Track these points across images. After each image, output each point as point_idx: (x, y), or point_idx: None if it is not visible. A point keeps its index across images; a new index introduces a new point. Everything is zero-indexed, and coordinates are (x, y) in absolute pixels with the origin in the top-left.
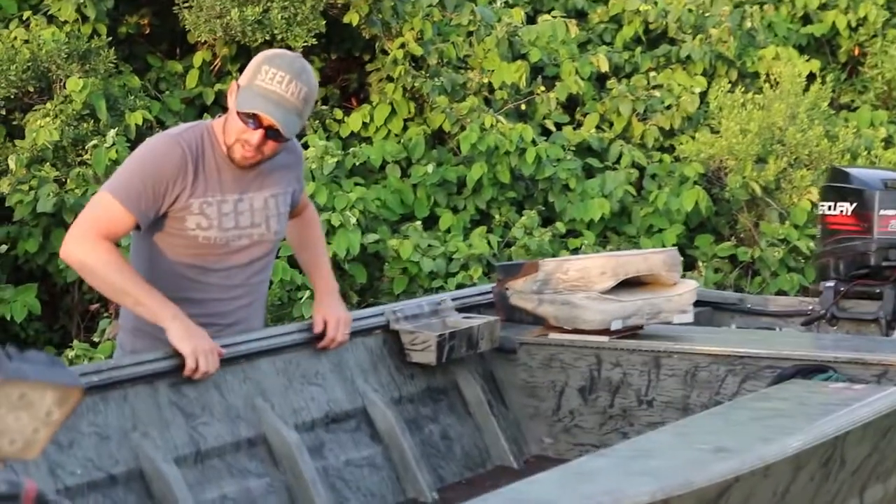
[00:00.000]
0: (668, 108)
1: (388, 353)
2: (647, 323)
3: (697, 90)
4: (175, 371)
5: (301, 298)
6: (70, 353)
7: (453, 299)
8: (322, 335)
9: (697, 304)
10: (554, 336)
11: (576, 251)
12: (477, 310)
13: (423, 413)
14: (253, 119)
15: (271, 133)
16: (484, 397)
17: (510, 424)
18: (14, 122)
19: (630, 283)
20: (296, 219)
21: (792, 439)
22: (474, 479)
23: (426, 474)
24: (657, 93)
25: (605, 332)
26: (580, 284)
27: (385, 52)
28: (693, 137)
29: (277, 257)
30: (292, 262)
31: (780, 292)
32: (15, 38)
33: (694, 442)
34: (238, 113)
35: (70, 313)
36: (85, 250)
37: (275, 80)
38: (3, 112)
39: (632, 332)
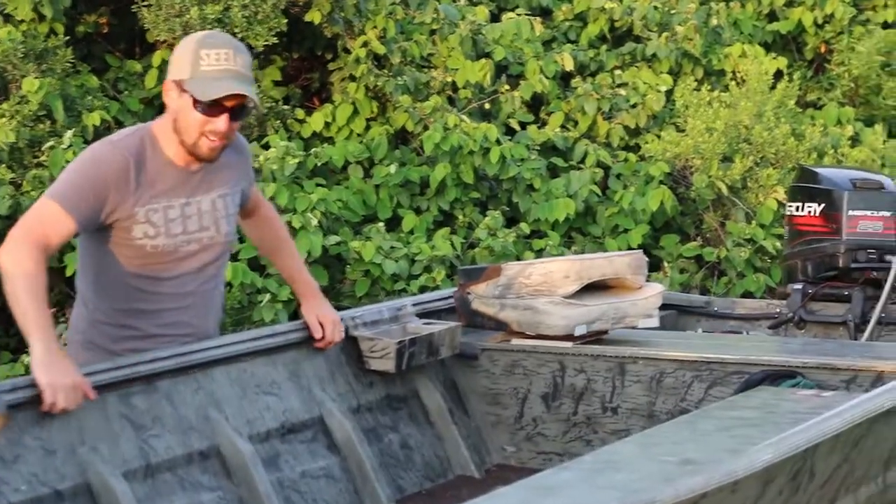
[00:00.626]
0: (634, 106)
1: (346, 360)
2: (612, 328)
3: (663, 88)
4: (124, 382)
5: (261, 302)
6: (27, 359)
7: (414, 304)
8: (313, 337)
9: (663, 307)
10: (516, 342)
11: (540, 252)
12: (438, 315)
13: (383, 422)
14: (214, 105)
15: (235, 113)
16: (445, 405)
17: (472, 433)
18: None
19: (594, 287)
20: (254, 219)
21: (761, 452)
22: (435, 490)
23: (385, 485)
24: (622, 91)
25: (569, 337)
26: (543, 289)
27: (347, 51)
28: (658, 136)
29: (236, 260)
30: (252, 265)
31: (747, 293)
32: None
33: (660, 453)
34: (198, 105)
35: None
36: (11, 257)
37: (221, 59)
38: None
39: (596, 337)
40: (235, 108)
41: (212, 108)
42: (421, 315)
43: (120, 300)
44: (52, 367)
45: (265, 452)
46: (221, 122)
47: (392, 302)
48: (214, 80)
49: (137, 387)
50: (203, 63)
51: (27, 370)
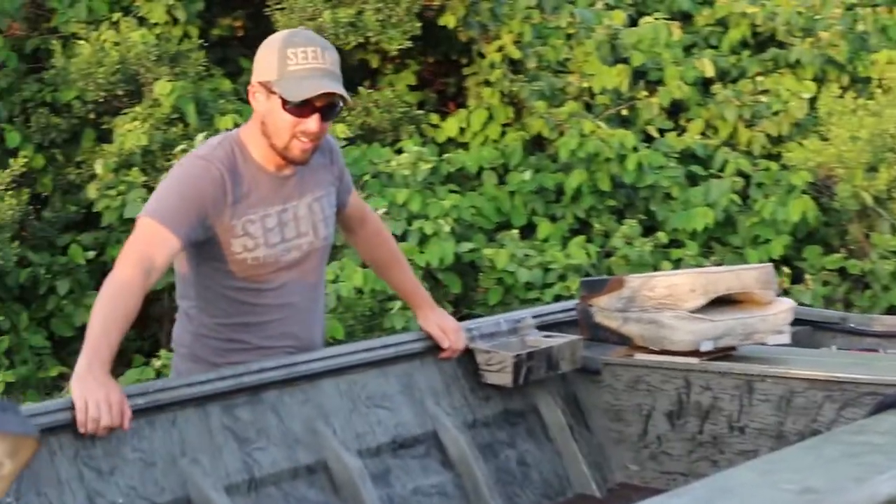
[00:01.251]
0: (776, 114)
1: (461, 373)
2: (740, 344)
3: (806, 95)
4: (229, 394)
5: (392, 309)
6: (157, 363)
7: (534, 316)
8: (437, 347)
9: (796, 322)
10: (640, 357)
11: (678, 262)
12: (559, 328)
13: (499, 438)
14: (305, 105)
15: (326, 113)
16: (565, 421)
17: (593, 450)
18: (103, 126)
19: (722, 302)
20: (363, 234)
21: (886, 483)
22: None
23: (501, 503)
24: (764, 98)
25: (695, 353)
26: (668, 302)
27: (482, 56)
28: (801, 144)
29: (365, 267)
30: None
31: (892, 307)
32: (104, 40)
33: (779, 481)
34: (288, 107)
35: (160, 321)
36: (112, 275)
37: (308, 57)
38: (93, 116)
39: (723, 353)
40: (325, 107)
41: (302, 108)
42: (541, 327)
43: (224, 315)
44: (86, 380)
45: (374, 468)
46: (313, 123)
47: (511, 314)
48: (303, 80)
49: (242, 398)
50: (290, 63)
51: (158, 374)
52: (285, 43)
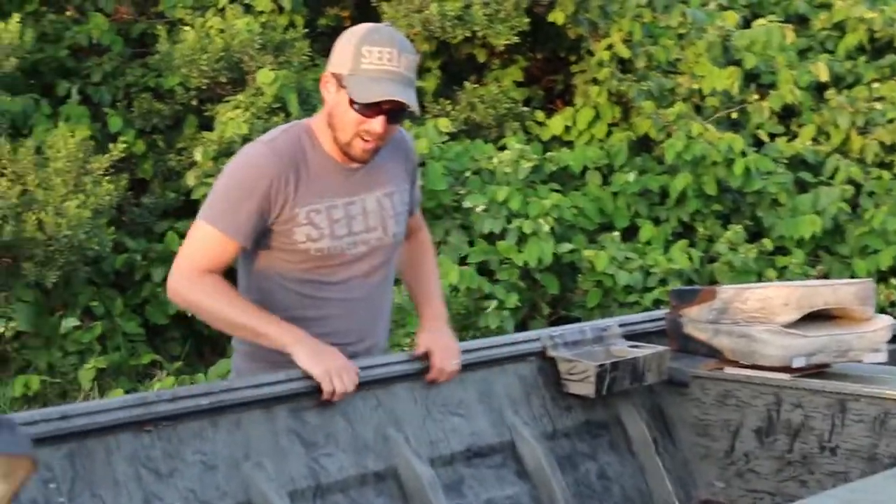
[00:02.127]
0: (891, 121)
1: (542, 382)
2: (834, 361)
3: None
4: (297, 396)
5: (487, 308)
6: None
7: (621, 325)
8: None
9: (894, 339)
10: (730, 371)
11: (783, 270)
12: (647, 338)
13: (580, 449)
14: (371, 105)
15: (392, 116)
16: (649, 434)
17: (677, 465)
18: (205, 113)
19: (817, 317)
20: (408, 244)
21: None
22: None
23: None
24: (879, 105)
25: (787, 369)
26: (760, 316)
27: (591, 54)
28: None
29: (464, 264)
30: (480, 270)
31: None
32: (210, 26)
33: None
34: (356, 105)
35: None
36: (189, 289)
37: (384, 59)
38: (195, 102)
39: (816, 370)
40: (393, 110)
41: (369, 108)
42: (628, 337)
43: (285, 308)
44: (321, 356)
45: (447, 477)
46: (377, 124)
47: (596, 322)
48: (374, 82)
49: (311, 401)
50: (364, 61)
51: (191, 378)
52: (364, 39)
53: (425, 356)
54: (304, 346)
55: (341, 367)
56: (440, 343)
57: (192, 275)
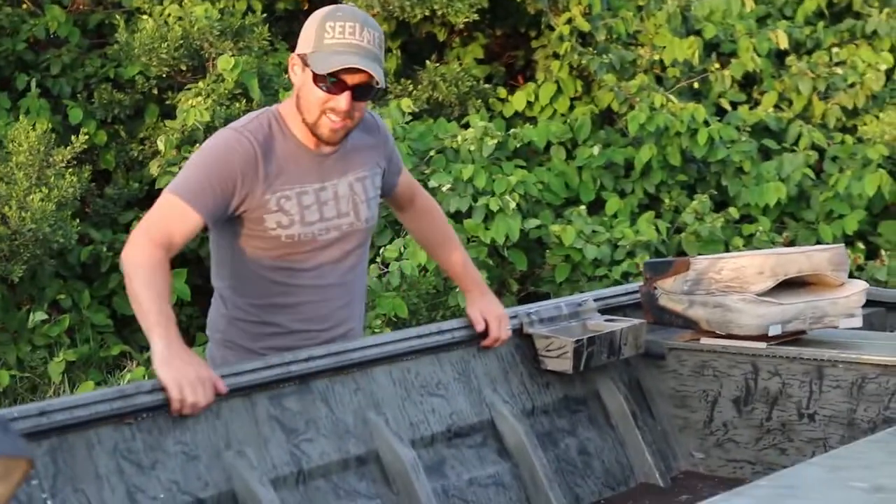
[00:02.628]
0: (852, 86)
1: (520, 360)
2: (810, 328)
3: (883, 67)
4: (276, 383)
5: (456, 287)
6: None
7: (596, 300)
8: (483, 336)
9: (868, 304)
10: (706, 341)
11: (750, 238)
12: (622, 311)
13: (559, 426)
14: (336, 81)
15: (358, 92)
16: (628, 408)
17: (657, 437)
18: (167, 102)
19: (791, 284)
20: (412, 211)
21: None
22: (615, 499)
23: (560, 493)
24: (840, 70)
25: (763, 337)
26: (735, 285)
27: (551, 28)
28: (877, 117)
29: None
30: None
31: None
32: (168, 14)
33: (849, 478)
34: (317, 79)
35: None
36: (132, 256)
37: (346, 33)
38: (156, 91)
39: (792, 337)
40: (359, 86)
41: (334, 84)
42: (604, 311)
43: (258, 296)
44: (173, 363)
45: (429, 458)
46: (343, 100)
47: (572, 297)
48: (335, 54)
49: (290, 387)
50: (327, 36)
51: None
52: (326, 16)
53: (479, 321)
54: (163, 346)
55: (193, 379)
56: (494, 312)
57: (139, 242)
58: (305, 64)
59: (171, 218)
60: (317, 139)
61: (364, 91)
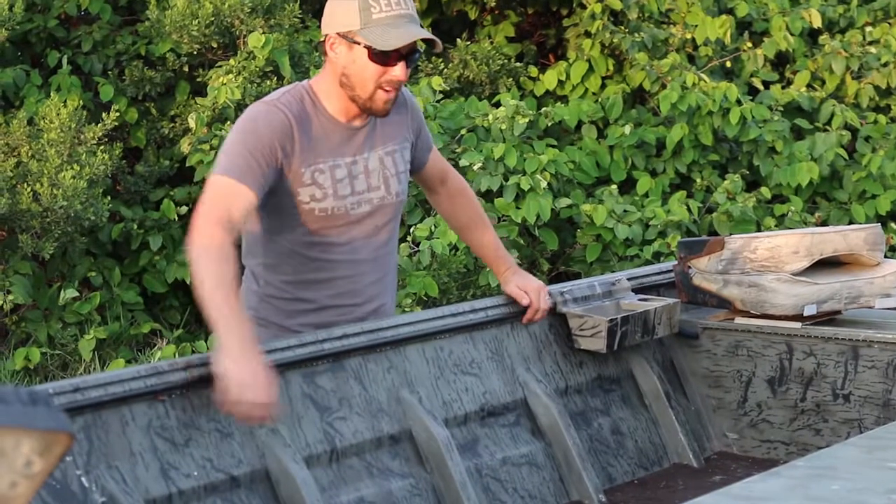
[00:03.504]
0: (885, 65)
1: (553, 338)
2: (846, 308)
3: None
4: (309, 361)
5: (487, 266)
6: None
7: (629, 279)
8: (523, 312)
9: None
10: (740, 321)
11: (782, 218)
12: (656, 290)
13: (592, 405)
14: (390, 53)
15: (410, 59)
16: (661, 388)
17: (690, 417)
18: (198, 79)
19: (826, 264)
20: (443, 192)
21: None
22: (648, 479)
23: (594, 473)
24: (873, 49)
25: (798, 317)
26: (770, 265)
27: (583, 7)
28: None
29: None
30: None
31: None
32: None
33: (887, 458)
34: (376, 57)
35: None
36: (195, 239)
37: (392, 4)
38: (187, 69)
39: (828, 317)
40: (410, 53)
41: (387, 56)
42: (637, 290)
43: (291, 272)
44: (233, 381)
45: (462, 437)
46: (399, 70)
47: (605, 276)
48: (390, 27)
49: (323, 365)
50: (374, 11)
51: (192, 346)
52: None
53: (521, 294)
54: (239, 357)
55: (252, 400)
56: (532, 285)
57: (204, 224)
58: (353, 42)
59: (224, 196)
60: (367, 113)
61: (414, 57)
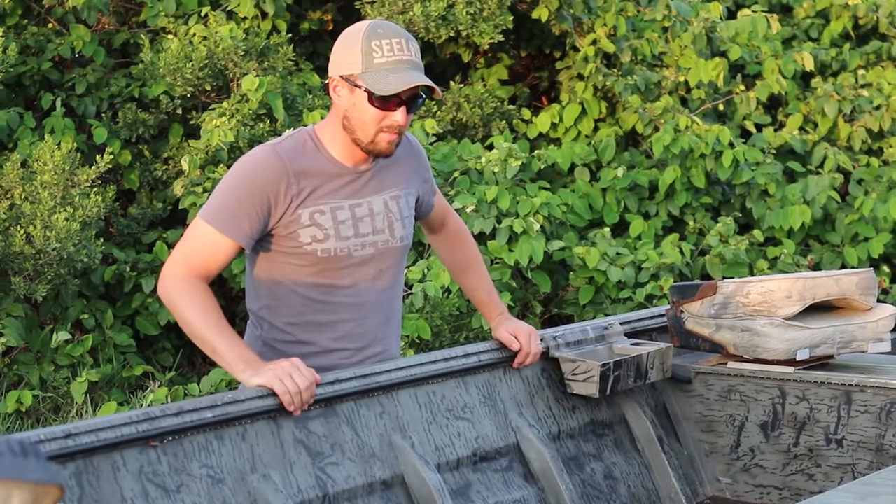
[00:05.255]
0: (878, 108)
1: (546, 383)
2: (838, 352)
3: None
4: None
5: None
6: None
7: (622, 323)
8: (514, 356)
9: None
10: (733, 365)
11: (775, 260)
12: (649, 335)
13: (585, 450)
14: (390, 98)
15: (412, 104)
16: (654, 432)
17: (683, 462)
18: (191, 122)
19: (819, 308)
20: (442, 234)
21: None
22: None
23: None
24: (865, 92)
25: (791, 362)
26: (763, 309)
27: (576, 49)
28: None
29: None
30: None
31: None
32: (193, 34)
33: None
34: (377, 101)
35: (246, 318)
36: (174, 288)
37: (394, 49)
38: (180, 111)
39: (820, 362)
40: (410, 98)
41: (388, 101)
42: (630, 334)
43: (295, 314)
44: (259, 369)
45: (454, 482)
46: (400, 115)
47: (598, 320)
48: (391, 73)
49: (316, 410)
50: (376, 55)
51: (184, 389)
52: (369, 35)
53: (511, 339)
54: (249, 369)
55: (289, 366)
56: (522, 329)
57: (177, 276)
58: (355, 85)
59: (205, 248)
60: (372, 155)
61: (416, 102)
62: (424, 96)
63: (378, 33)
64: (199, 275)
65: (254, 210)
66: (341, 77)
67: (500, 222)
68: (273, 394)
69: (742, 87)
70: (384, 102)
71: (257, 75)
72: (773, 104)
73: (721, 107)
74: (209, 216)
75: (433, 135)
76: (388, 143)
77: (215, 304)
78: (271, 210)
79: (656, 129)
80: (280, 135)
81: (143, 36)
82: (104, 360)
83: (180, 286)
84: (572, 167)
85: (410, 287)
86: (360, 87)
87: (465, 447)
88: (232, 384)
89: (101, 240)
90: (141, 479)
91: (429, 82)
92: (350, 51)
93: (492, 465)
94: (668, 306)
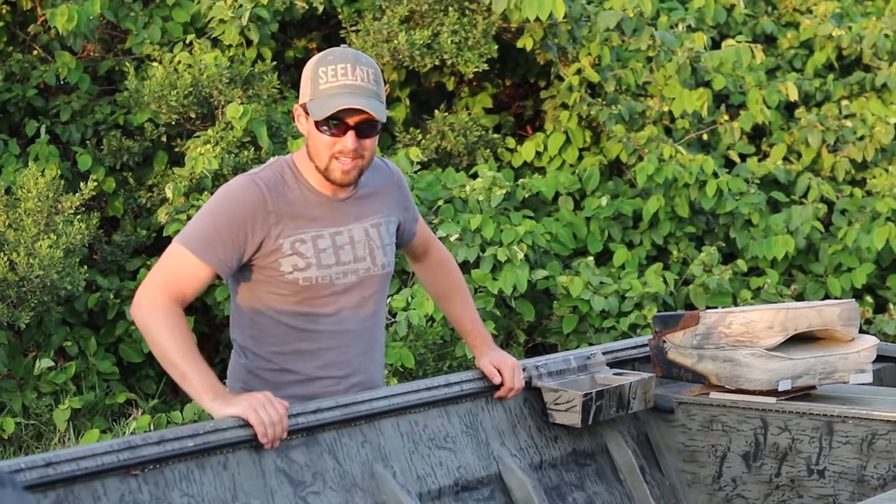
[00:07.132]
0: (861, 139)
1: (528, 413)
2: (820, 383)
3: (893, 120)
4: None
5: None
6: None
7: (605, 353)
8: (496, 387)
9: (879, 359)
10: (715, 396)
11: (758, 290)
12: (631, 365)
13: (567, 479)
14: (338, 124)
15: (361, 130)
16: (636, 462)
17: (665, 492)
18: (176, 149)
19: (801, 339)
20: (426, 262)
21: None
22: None
23: None
24: (849, 123)
25: (772, 392)
26: (745, 339)
27: (560, 79)
28: (887, 170)
29: None
30: None
31: None
32: (178, 62)
33: None
34: (318, 125)
35: (230, 346)
36: (147, 312)
37: (338, 75)
38: (165, 138)
39: (802, 392)
40: (361, 124)
41: (336, 127)
42: (612, 364)
43: (278, 343)
44: (232, 400)
45: None
46: (348, 141)
47: (580, 350)
48: (331, 98)
49: (298, 439)
50: (321, 81)
51: (167, 416)
52: (319, 62)
53: (493, 372)
54: (218, 401)
55: (263, 399)
56: (506, 362)
57: (152, 300)
58: (307, 112)
59: (181, 273)
60: (332, 184)
61: (367, 128)
62: (379, 122)
63: (327, 59)
64: (175, 298)
65: (230, 238)
66: (300, 105)
67: (483, 251)
68: (248, 424)
69: (726, 117)
70: (332, 128)
71: (242, 103)
72: (758, 134)
73: (705, 136)
74: (186, 240)
75: (417, 163)
76: (341, 173)
77: (188, 330)
78: (247, 240)
79: (640, 158)
80: (264, 162)
81: (128, 63)
82: (87, 387)
83: (154, 309)
84: (556, 196)
85: (394, 315)
86: (309, 114)
87: (447, 477)
88: None
89: (85, 267)
90: None
91: (363, 106)
92: (304, 79)
93: (473, 495)
94: (651, 336)
